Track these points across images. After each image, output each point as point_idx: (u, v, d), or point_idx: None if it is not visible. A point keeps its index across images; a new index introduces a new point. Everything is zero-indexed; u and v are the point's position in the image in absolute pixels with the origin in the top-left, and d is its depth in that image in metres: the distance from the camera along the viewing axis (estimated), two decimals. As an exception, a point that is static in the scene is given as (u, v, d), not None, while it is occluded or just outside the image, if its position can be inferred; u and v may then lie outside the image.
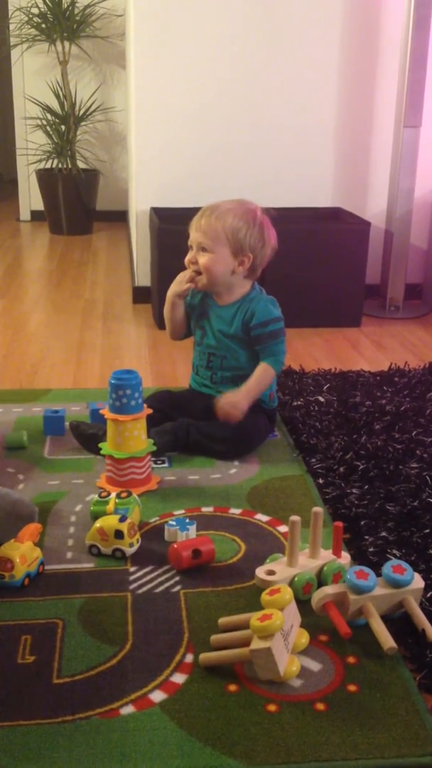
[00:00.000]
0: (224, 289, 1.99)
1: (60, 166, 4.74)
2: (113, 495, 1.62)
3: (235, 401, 1.91)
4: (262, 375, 1.95)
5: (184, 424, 1.92)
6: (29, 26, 4.63)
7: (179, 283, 2.00)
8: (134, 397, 1.76)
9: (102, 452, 1.81)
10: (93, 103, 4.87)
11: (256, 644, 1.20)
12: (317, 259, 3.00)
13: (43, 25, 4.62)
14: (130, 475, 1.77)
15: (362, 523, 1.63)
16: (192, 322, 2.08)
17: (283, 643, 1.22)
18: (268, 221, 1.96)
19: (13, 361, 2.64)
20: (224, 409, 1.90)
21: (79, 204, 4.73)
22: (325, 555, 1.47)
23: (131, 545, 1.53)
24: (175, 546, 1.49)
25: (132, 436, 1.77)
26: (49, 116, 4.78)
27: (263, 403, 2.00)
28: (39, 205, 4.96)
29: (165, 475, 1.86)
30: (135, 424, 1.77)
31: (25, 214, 5.19)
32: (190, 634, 1.32)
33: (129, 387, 1.76)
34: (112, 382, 1.76)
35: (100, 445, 1.83)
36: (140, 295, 3.31)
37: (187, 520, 1.60)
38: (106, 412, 1.78)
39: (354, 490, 1.76)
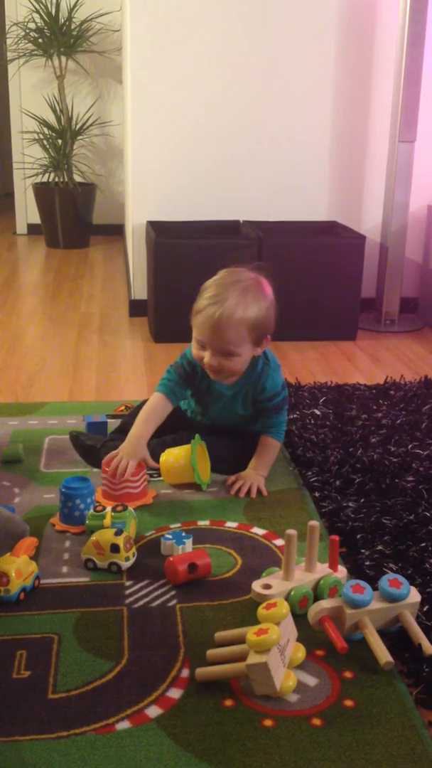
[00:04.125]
0: (235, 375, 1.86)
1: (57, 179, 4.75)
2: (109, 509, 1.62)
3: (254, 479, 1.85)
4: (270, 451, 1.90)
5: (185, 439, 1.91)
6: (26, 41, 4.66)
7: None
8: (79, 508, 1.66)
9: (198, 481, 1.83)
10: (90, 118, 4.89)
11: (253, 659, 1.19)
12: (313, 272, 3.01)
13: (40, 40, 4.65)
14: (125, 489, 1.77)
15: (358, 536, 1.63)
16: (192, 393, 1.96)
17: (280, 657, 1.21)
18: (263, 282, 1.81)
19: (9, 374, 2.64)
20: (247, 488, 1.84)
21: (75, 218, 4.75)
22: (322, 569, 1.47)
23: (127, 559, 1.52)
24: (172, 560, 1.49)
25: (179, 465, 1.82)
26: (46, 130, 4.80)
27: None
28: (35, 218, 4.97)
29: (161, 488, 1.86)
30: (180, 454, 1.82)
31: (21, 228, 5.20)
32: (186, 648, 1.32)
33: (78, 497, 1.66)
34: (62, 490, 1.66)
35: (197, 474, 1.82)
36: (136, 309, 3.31)
37: (184, 534, 1.60)
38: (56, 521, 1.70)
39: (350, 504, 1.76)
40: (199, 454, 1.86)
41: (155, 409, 1.88)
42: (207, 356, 1.78)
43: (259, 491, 1.84)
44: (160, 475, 1.88)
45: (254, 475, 1.87)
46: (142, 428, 1.84)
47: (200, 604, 1.43)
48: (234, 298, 1.73)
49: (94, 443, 1.92)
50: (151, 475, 1.89)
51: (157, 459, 1.86)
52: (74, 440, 1.96)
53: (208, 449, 1.90)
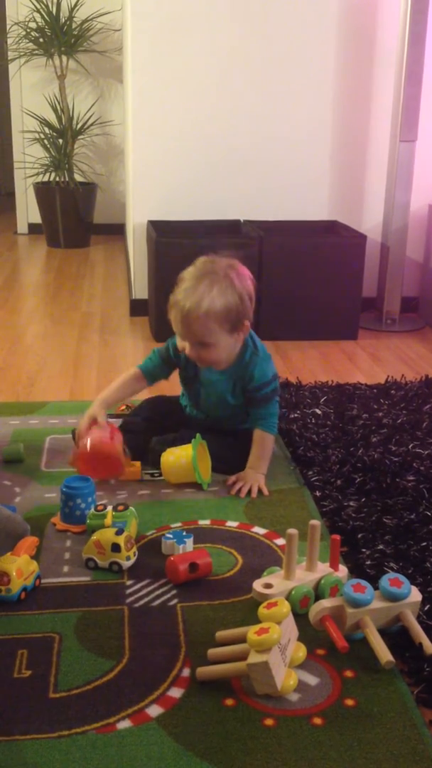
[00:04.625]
0: (222, 363, 1.88)
1: (57, 179, 4.75)
2: (110, 508, 1.62)
3: (254, 479, 1.86)
4: (264, 445, 1.90)
5: (186, 437, 1.91)
6: (27, 40, 4.66)
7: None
8: (80, 508, 1.67)
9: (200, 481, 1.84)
10: (90, 117, 4.89)
11: (253, 658, 1.19)
12: (314, 272, 3.01)
13: (41, 40, 4.65)
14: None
15: (359, 536, 1.63)
16: (181, 380, 2.01)
17: (281, 656, 1.21)
18: (238, 268, 1.83)
19: (10, 373, 2.64)
20: (247, 488, 1.85)
21: (76, 217, 4.75)
22: (323, 568, 1.47)
23: (128, 558, 1.52)
24: (172, 559, 1.49)
25: (179, 464, 1.83)
26: (46, 130, 4.80)
27: None
28: (36, 218, 4.97)
29: (162, 488, 1.86)
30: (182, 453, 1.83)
31: (22, 227, 5.20)
32: (187, 648, 1.32)
33: (79, 496, 1.67)
34: (63, 490, 1.68)
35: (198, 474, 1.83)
36: (137, 308, 3.31)
37: (184, 533, 1.60)
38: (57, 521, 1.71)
39: (351, 503, 1.76)
40: (200, 454, 1.86)
41: (127, 381, 1.98)
42: (187, 348, 1.83)
43: (260, 490, 1.84)
44: (161, 475, 1.88)
45: (254, 475, 1.87)
46: (107, 392, 1.95)
47: (201, 604, 1.43)
48: (200, 292, 1.76)
49: None
50: (152, 475, 1.90)
51: (158, 458, 1.86)
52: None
53: (208, 448, 1.90)
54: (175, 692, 1.22)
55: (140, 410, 2.06)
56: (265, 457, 1.90)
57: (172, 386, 2.14)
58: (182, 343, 1.85)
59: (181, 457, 1.84)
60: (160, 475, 1.89)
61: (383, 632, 1.34)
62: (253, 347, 1.90)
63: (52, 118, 4.83)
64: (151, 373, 1.97)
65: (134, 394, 2.02)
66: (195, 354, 1.83)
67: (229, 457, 1.91)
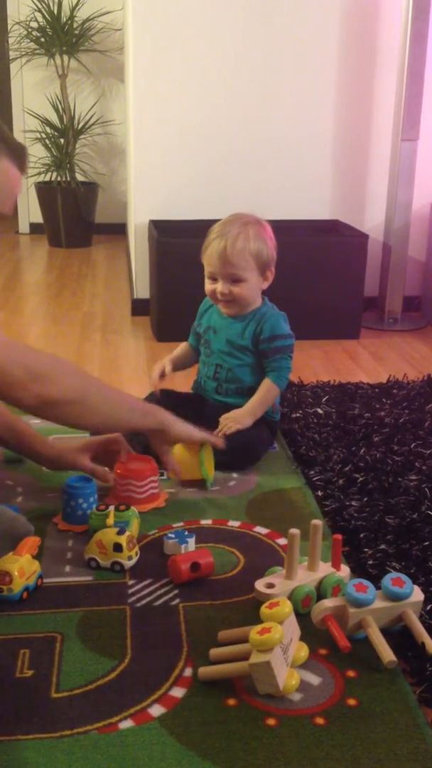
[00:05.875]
0: (246, 306, 2.02)
1: (59, 179, 4.75)
2: (112, 508, 1.62)
3: (239, 418, 1.93)
4: (266, 392, 1.98)
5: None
6: (28, 40, 4.66)
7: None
8: (82, 508, 1.67)
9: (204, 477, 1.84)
10: (92, 117, 4.89)
11: (256, 658, 1.19)
12: (315, 271, 3.01)
13: (42, 39, 4.65)
14: (128, 492, 1.76)
15: (361, 535, 1.63)
16: (200, 336, 2.11)
17: (283, 656, 1.21)
18: (263, 222, 2.01)
19: (12, 373, 2.64)
20: (227, 425, 1.92)
21: (78, 217, 4.75)
22: (325, 568, 1.47)
23: (130, 558, 1.52)
24: (174, 559, 1.49)
25: (187, 459, 1.83)
26: (48, 129, 4.80)
27: (266, 414, 2.01)
28: (38, 217, 4.97)
29: (164, 487, 1.86)
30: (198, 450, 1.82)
31: (24, 227, 5.20)
32: (189, 647, 1.32)
33: (81, 496, 1.67)
34: (65, 489, 1.68)
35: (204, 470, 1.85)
36: (139, 308, 3.31)
37: (186, 533, 1.60)
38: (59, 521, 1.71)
39: (353, 503, 1.76)
40: (206, 455, 1.86)
41: (184, 349, 2.18)
42: (219, 285, 1.97)
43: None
44: (162, 474, 1.88)
45: (242, 417, 1.94)
46: (174, 354, 2.16)
47: (203, 603, 1.43)
48: (236, 231, 1.95)
49: None
50: (160, 474, 1.89)
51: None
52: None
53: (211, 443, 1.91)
54: (177, 692, 1.22)
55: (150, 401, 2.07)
56: (263, 405, 1.98)
57: (183, 382, 2.14)
58: (211, 286, 2.00)
59: (185, 452, 1.84)
60: (161, 474, 1.89)
61: (385, 632, 1.33)
62: (271, 306, 2.06)
63: (53, 117, 4.83)
64: (193, 346, 2.15)
65: (190, 364, 2.17)
66: (227, 291, 1.97)
67: (235, 449, 1.91)
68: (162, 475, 1.89)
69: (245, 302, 2.01)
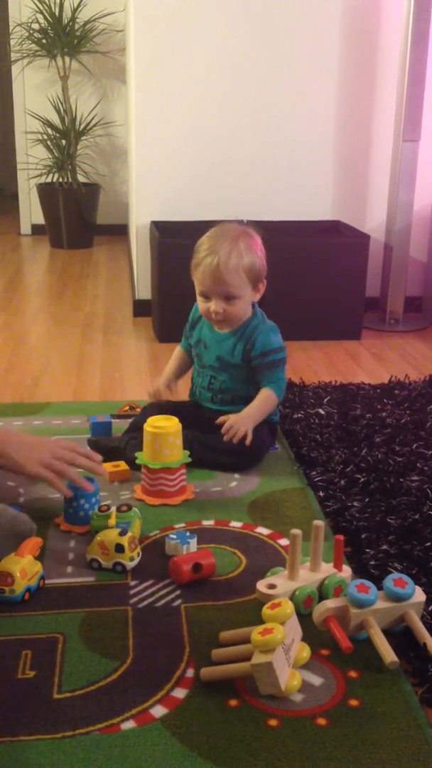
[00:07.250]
0: (238, 321, 1.99)
1: (60, 180, 4.76)
2: (113, 509, 1.62)
3: (239, 422, 1.91)
4: (265, 399, 1.96)
5: (189, 438, 1.92)
6: (30, 42, 4.66)
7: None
8: (83, 509, 1.67)
9: (137, 462, 1.82)
10: (93, 118, 4.90)
11: (257, 659, 1.19)
12: (317, 272, 3.01)
13: (44, 41, 4.65)
14: (160, 486, 1.78)
15: (363, 536, 1.63)
16: (192, 347, 2.09)
17: (284, 657, 1.21)
18: (251, 233, 1.96)
19: (14, 374, 2.64)
20: (236, 430, 1.90)
21: (79, 218, 4.75)
22: (326, 568, 1.47)
23: (132, 559, 1.52)
24: (176, 560, 1.49)
25: (168, 444, 1.79)
26: (49, 131, 4.81)
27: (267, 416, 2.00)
28: (39, 219, 4.98)
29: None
30: (170, 434, 1.80)
31: (25, 228, 5.20)
32: (190, 648, 1.32)
33: (83, 497, 1.66)
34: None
35: (136, 454, 1.84)
36: (141, 309, 3.31)
37: (188, 534, 1.60)
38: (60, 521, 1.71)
39: (355, 503, 1.76)
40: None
41: (178, 356, 2.15)
42: (212, 305, 1.93)
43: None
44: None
45: (246, 420, 1.91)
46: (167, 368, 2.15)
47: (205, 604, 1.43)
48: (227, 247, 1.90)
49: (118, 444, 1.95)
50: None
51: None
52: (94, 445, 1.96)
53: (213, 443, 1.92)
54: (179, 693, 1.22)
55: (147, 411, 2.06)
56: (262, 411, 1.95)
57: (177, 393, 2.14)
58: (205, 305, 1.95)
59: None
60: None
61: (387, 632, 1.33)
62: (261, 317, 2.01)
63: (55, 119, 4.83)
64: (186, 349, 2.12)
65: (188, 369, 2.15)
66: (221, 309, 1.93)
67: (236, 451, 1.91)
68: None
69: (238, 318, 1.97)
